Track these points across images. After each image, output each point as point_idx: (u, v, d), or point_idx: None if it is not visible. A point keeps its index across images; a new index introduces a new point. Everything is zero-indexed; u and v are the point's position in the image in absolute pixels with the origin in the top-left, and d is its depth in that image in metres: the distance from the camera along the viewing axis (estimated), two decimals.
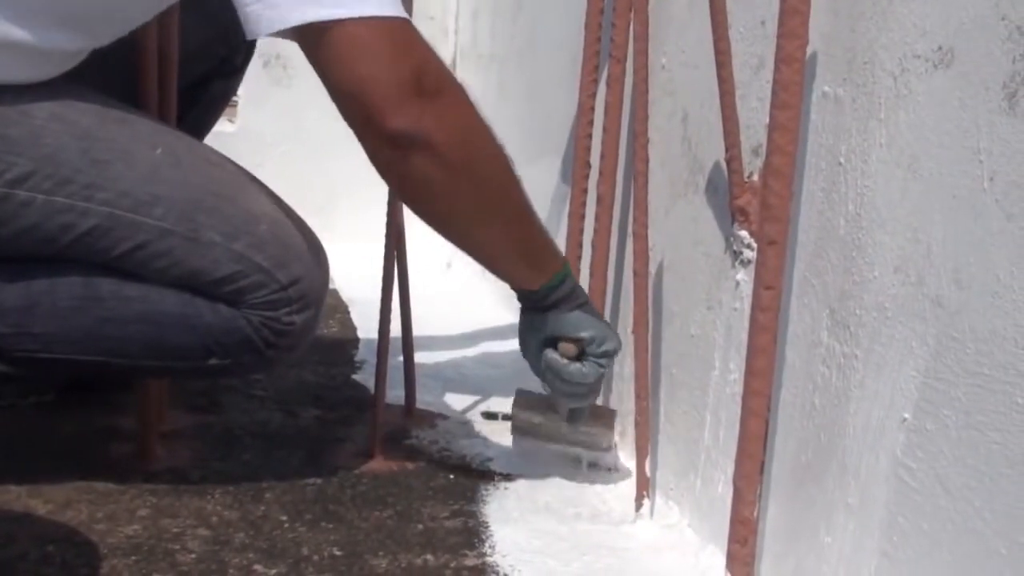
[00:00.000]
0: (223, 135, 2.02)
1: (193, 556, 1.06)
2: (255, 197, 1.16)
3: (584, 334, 1.20)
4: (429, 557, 1.10)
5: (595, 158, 1.48)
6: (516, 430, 1.36)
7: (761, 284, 0.95)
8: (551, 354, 1.21)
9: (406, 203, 1.20)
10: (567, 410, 1.29)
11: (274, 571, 1.04)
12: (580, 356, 1.21)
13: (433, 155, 1.06)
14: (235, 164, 1.20)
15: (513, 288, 1.22)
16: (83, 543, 1.07)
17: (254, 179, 1.19)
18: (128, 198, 1.08)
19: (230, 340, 1.12)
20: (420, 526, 1.17)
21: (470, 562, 1.09)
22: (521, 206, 1.18)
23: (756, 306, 0.96)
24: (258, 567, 1.05)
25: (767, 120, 0.97)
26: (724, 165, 1.11)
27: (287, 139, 2.63)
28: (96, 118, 1.10)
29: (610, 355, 1.22)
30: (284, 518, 1.17)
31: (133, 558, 1.05)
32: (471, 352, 1.90)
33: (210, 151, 1.21)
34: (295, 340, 1.15)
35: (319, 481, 1.28)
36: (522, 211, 1.18)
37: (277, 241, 1.13)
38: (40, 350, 1.10)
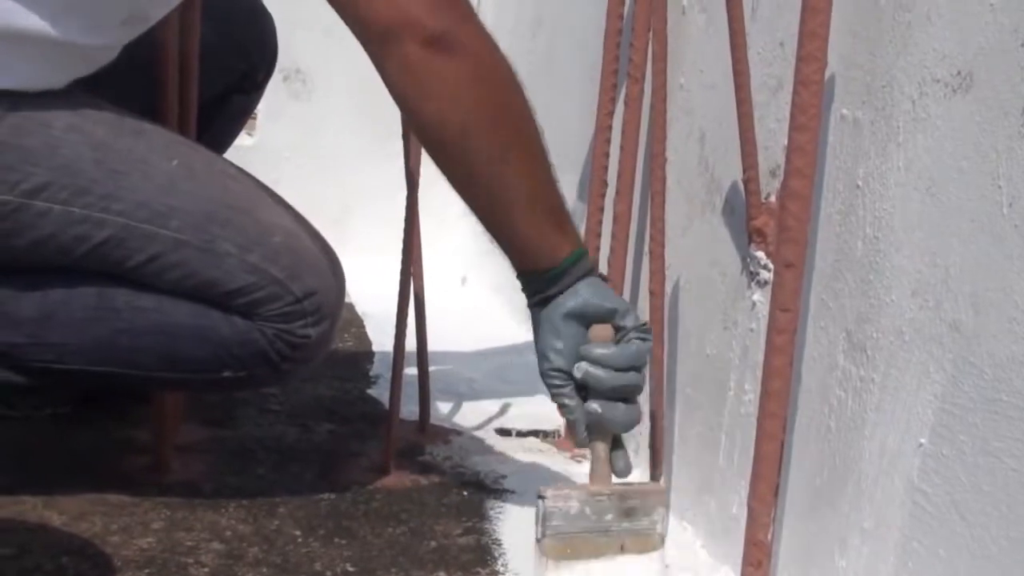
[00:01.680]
0: (241, 148, 2.03)
1: (206, 570, 1.06)
2: (271, 209, 1.16)
3: (614, 305, 1.06)
4: (442, 574, 1.10)
5: (612, 177, 1.48)
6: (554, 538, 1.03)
7: (778, 306, 0.95)
8: (587, 347, 1.05)
9: (429, 116, 1.07)
10: (607, 452, 1.08)
11: None
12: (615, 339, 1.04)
13: (468, 55, 1.03)
14: (251, 177, 1.21)
15: (527, 265, 1.10)
16: (97, 555, 1.08)
17: (270, 192, 1.20)
18: (144, 209, 1.08)
19: (244, 352, 1.12)
20: (433, 543, 1.17)
21: None
22: (543, 150, 1.09)
23: (772, 328, 0.95)
24: None
25: (785, 141, 0.97)
26: (741, 186, 1.11)
27: (305, 153, 2.64)
28: (112, 129, 1.11)
29: (649, 328, 1.08)
30: (298, 533, 1.17)
31: (146, 571, 1.05)
32: (486, 368, 1.90)
33: (226, 163, 1.21)
34: (310, 353, 1.15)
35: (333, 496, 1.28)
36: (544, 156, 1.09)
37: (292, 253, 1.13)
38: (55, 361, 1.11)
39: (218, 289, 1.11)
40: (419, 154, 1.39)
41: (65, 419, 1.46)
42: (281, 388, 1.68)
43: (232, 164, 1.21)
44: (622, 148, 1.42)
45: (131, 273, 1.10)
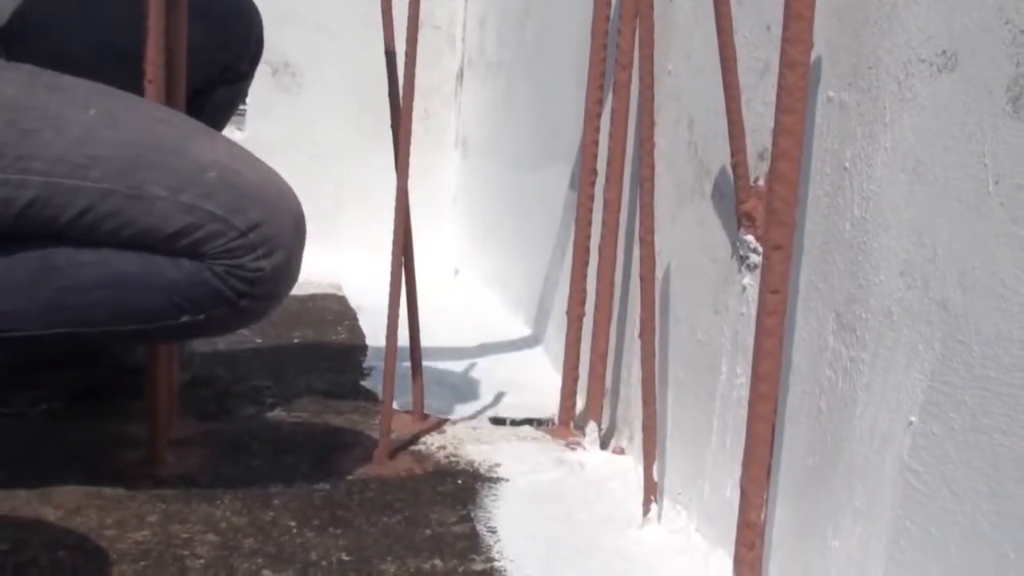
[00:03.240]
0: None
1: (202, 562, 1.07)
2: (203, 147, 1.13)
3: None
4: (437, 562, 1.10)
5: (602, 164, 1.48)
6: None
7: (767, 288, 0.95)
8: None
9: None
10: None
11: None
12: None
13: None
14: (184, 118, 1.17)
15: None
16: (93, 549, 1.08)
17: (206, 130, 1.16)
18: (62, 164, 1.06)
19: (197, 294, 1.09)
20: (428, 531, 1.17)
21: (478, 567, 1.09)
22: None
23: (762, 310, 0.96)
24: (267, 572, 1.05)
25: (772, 124, 0.98)
26: (730, 170, 1.11)
27: (295, 147, 2.65)
28: (23, 88, 1.09)
29: None
30: (293, 523, 1.17)
31: (142, 563, 1.05)
32: (478, 358, 1.91)
33: (154, 107, 1.18)
34: (269, 288, 1.12)
35: (327, 487, 1.28)
36: None
37: (229, 188, 1.10)
38: (8, 329, 1.09)
39: (157, 234, 1.08)
40: (408, 147, 1.39)
41: (59, 415, 1.47)
42: (275, 380, 1.68)
43: (162, 108, 1.18)
44: (611, 136, 1.42)
45: (67, 230, 1.07)
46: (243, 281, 1.10)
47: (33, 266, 1.08)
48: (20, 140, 1.05)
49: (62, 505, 1.17)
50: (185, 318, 1.11)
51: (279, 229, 1.12)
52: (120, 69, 1.17)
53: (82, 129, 1.08)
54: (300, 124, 2.77)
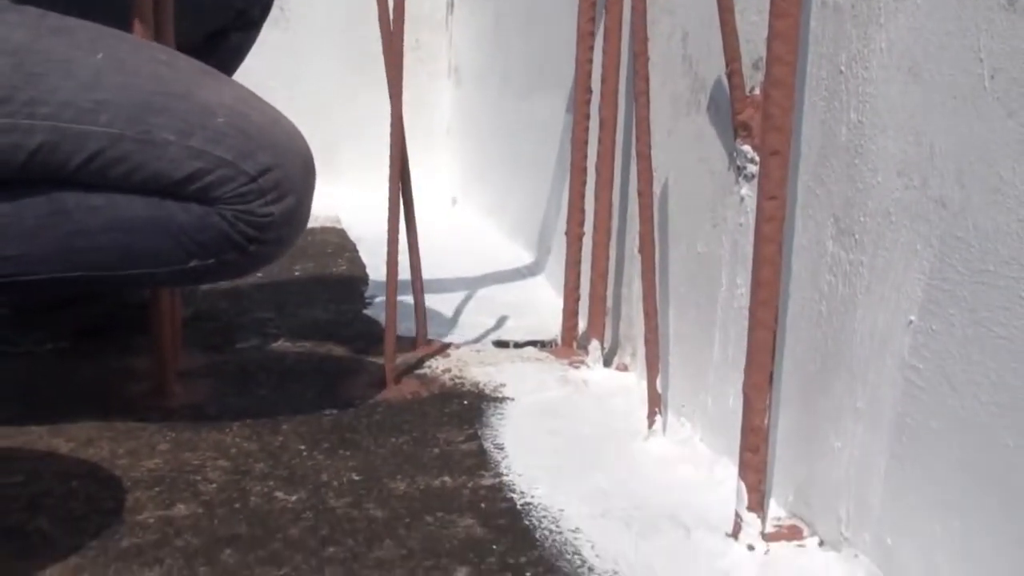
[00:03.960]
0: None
1: (214, 486, 1.08)
2: (211, 91, 1.12)
3: None
4: (446, 479, 1.11)
5: (596, 83, 1.48)
6: None
7: (765, 195, 0.95)
8: None
9: None
10: None
11: (295, 497, 1.06)
12: None
13: None
14: (190, 60, 1.16)
15: None
16: (106, 478, 1.09)
17: (212, 72, 1.15)
18: (70, 108, 1.05)
19: (206, 238, 1.09)
20: (436, 450, 1.19)
21: (487, 482, 1.11)
22: None
23: (760, 217, 0.96)
24: (279, 494, 1.07)
25: (767, 33, 0.97)
26: (725, 81, 1.11)
27: (287, 83, 2.63)
28: (29, 31, 1.07)
29: None
30: (302, 447, 1.19)
31: (156, 489, 1.07)
32: (479, 284, 1.92)
33: (160, 50, 1.16)
34: (279, 232, 1.12)
35: (335, 412, 1.29)
36: None
37: (239, 132, 1.09)
38: (19, 273, 1.09)
39: (166, 179, 1.08)
40: (400, 75, 1.39)
41: (66, 352, 1.48)
42: (278, 312, 1.69)
43: (167, 50, 1.17)
44: (604, 53, 1.42)
45: (76, 175, 1.07)
46: (252, 226, 1.10)
47: (42, 210, 1.08)
48: (27, 84, 1.05)
49: (74, 438, 1.19)
50: (194, 262, 1.11)
51: (288, 174, 1.11)
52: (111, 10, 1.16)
53: (90, 73, 1.07)
54: (291, 59, 2.75)
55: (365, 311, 1.74)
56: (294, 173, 1.12)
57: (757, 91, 1.08)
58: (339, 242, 2.29)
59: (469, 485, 1.10)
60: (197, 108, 1.09)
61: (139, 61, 1.11)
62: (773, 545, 0.98)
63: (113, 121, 1.06)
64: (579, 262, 1.55)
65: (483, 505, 1.05)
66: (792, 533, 0.99)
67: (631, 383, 1.40)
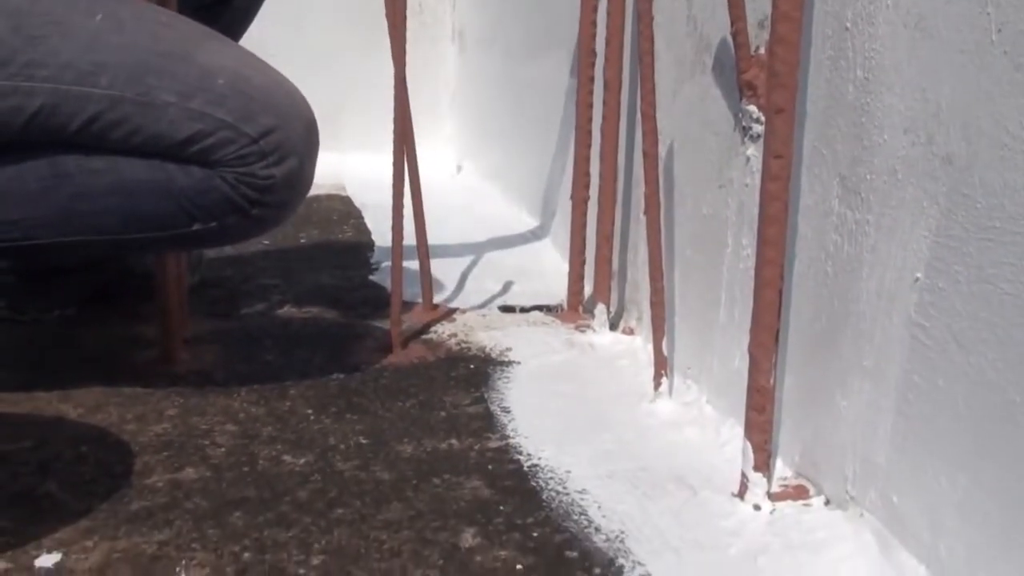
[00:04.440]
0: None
1: (223, 450, 1.09)
2: (213, 53, 1.11)
3: None
4: (453, 442, 1.12)
5: (600, 45, 1.47)
6: None
7: (771, 154, 0.95)
8: None
9: None
10: None
11: (303, 460, 1.06)
12: None
13: None
14: (190, 22, 1.15)
15: None
16: (115, 443, 1.10)
17: (213, 35, 1.15)
18: (70, 71, 1.05)
19: (208, 201, 1.09)
20: (443, 413, 1.19)
21: (493, 444, 1.11)
22: None
23: (766, 176, 0.96)
24: (287, 457, 1.07)
25: None
26: (730, 40, 1.10)
27: (289, 47, 2.61)
28: None
29: None
30: (310, 411, 1.19)
31: (165, 454, 1.07)
32: (484, 250, 1.91)
33: (161, 12, 1.16)
34: (281, 195, 1.11)
35: (342, 376, 1.30)
36: None
37: (239, 94, 1.08)
38: (22, 238, 1.09)
39: (167, 141, 1.07)
40: (403, 44, 1.38)
41: (72, 320, 1.48)
42: (284, 278, 1.69)
43: (168, 12, 1.16)
44: (608, 14, 1.41)
45: (76, 138, 1.07)
46: (254, 189, 1.09)
47: (43, 173, 1.08)
48: (26, 46, 1.04)
49: (82, 404, 1.19)
50: (196, 226, 1.11)
51: (290, 136, 1.10)
52: None
53: (89, 35, 1.06)
54: (293, 23, 2.74)
55: (371, 277, 1.74)
56: (296, 135, 1.11)
57: (762, 50, 1.07)
58: (344, 209, 2.28)
59: (476, 447, 1.10)
60: (198, 70, 1.08)
61: (139, 23, 1.10)
62: (779, 505, 0.98)
63: (113, 83, 1.05)
64: (584, 226, 1.54)
65: (490, 467, 1.06)
66: (798, 492, 1.00)
67: (637, 346, 1.41)
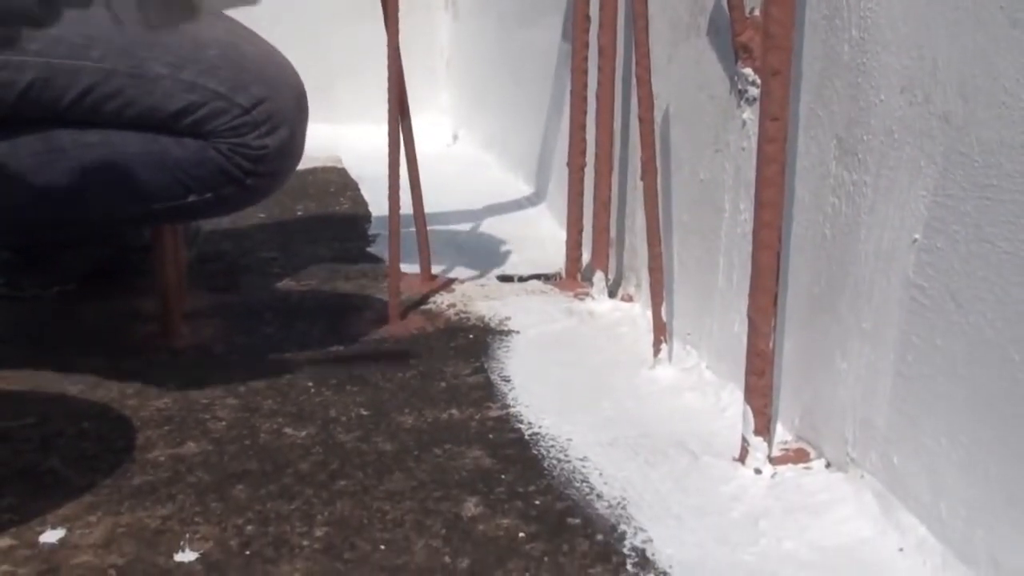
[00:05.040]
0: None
1: (224, 424, 1.09)
2: (204, 24, 1.11)
3: None
4: (454, 411, 1.12)
5: (594, 11, 1.46)
6: None
7: (767, 116, 0.94)
8: None
9: None
10: None
11: (304, 432, 1.07)
12: None
13: None
14: None
15: None
16: (116, 418, 1.10)
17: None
18: (62, 44, 1.04)
19: (203, 172, 1.09)
20: (443, 383, 1.19)
21: (494, 414, 1.11)
22: None
23: (763, 138, 0.95)
24: (288, 430, 1.07)
25: None
26: (725, 3, 1.09)
27: (281, 19, 2.59)
28: None
29: None
30: (310, 384, 1.19)
31: (166, 428, 1.07)
32: (482, 220, 1.91)
33: None
34: (274, 165, 1.12)
35: (342, 348, 1.30)
36: None
37: (231, 64, 1.09)
38: (17, 213, 1.09)
39: (160, 113, 1.07)
40: (396, 12, 1.37)
41: (71, 296, 1.48)
42: (282, 251, 1.69)
43: None
44: None
45: (69, 112, 1.07)
46: (248, 159, 1.10)
47: (37, 148, 1.08)
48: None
49: (83, 380, 1.19)
50: (192, 197, 1.11)
51: (281, 106, 1.11)
52: None
53: (78, 8, 1.06)
54: None
55: (369, 248, 1.73)
56: (286, 105, 1.11)
57: (757, 12, 1.06)
58: (341, 181, 2.28)
59: (477, 417, 1.11)
60: (189, 41, 1.08)
61: None
62: (780, 468, 0.98)
63: (105, 56, 1.05)
64: (581, 193, 1.54)
65: (491, 436, 1.06)
66: (799, 456, 1.00)
67: (636, 313, 1.40)
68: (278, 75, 1.12)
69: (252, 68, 1.09)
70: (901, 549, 0.85)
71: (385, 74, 1.38)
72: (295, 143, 1.14)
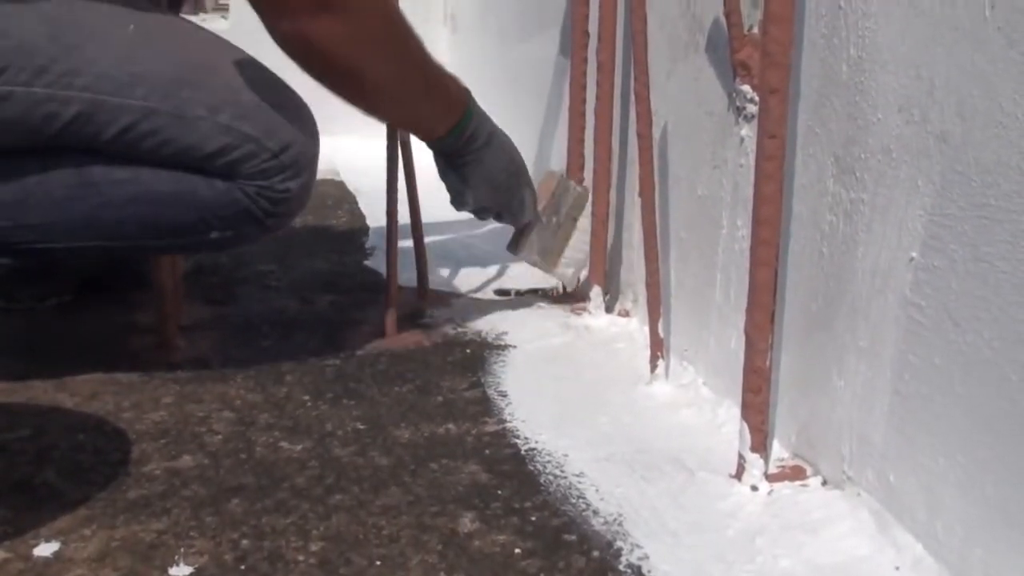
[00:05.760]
0: (216, 32, 2.00)
1: (220, 437, 1.09)
2: (235, 67, 1.14)
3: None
4: (451, 426, 1.12)
5: (593, 26, 1.46)
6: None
7: (765, 133, 0.95)
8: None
9: (331, 83, 1.12)
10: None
11: (300, 447, 1.06)
12: None
13: (354, 15, 1.07)
14: (206, 31, 1.18)
15: (433, 136, 1.26)
16: (112, 431, 1.10)
17: (229, 46, 1.17)
18: (108, 81, 1.06)
19: (228, 212, 1.12)
20: (440, 398, 1.19)
21: (491, 428, 1.11)
22: (426, 63, 1.19)
23: (760, 156, 0.95)
24: (284, 444, 1.07)
25: None
26: (723, 19, 1.09)
27: None
28: (61, 2, 1.07)
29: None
30: (306, 398, 1.19)
31: (162, 441, 1.07)
32: (480, 233, 1.91)
33: (180, 22, 1.18)
34: (292, 206, 1.16)
35: (338, 362, 1.30)
36: (429, 68, 1.20)
37: (262, 109, 1.12)
38: (39, 240, 1.11)
39: (196, 153, 1.10)
40: None
41: (68, 307, 1.48)
42: (279, 264, 1.69)
43: (186, 21, 1.18)
44: None
45: (107, 147, 1.08)
46: (271, 201, 1.13)
47: (69, 181, 1.10)
48: (65, 55, 1.05)
49: (78, 392, 1.19)
50: (214, 235, 1.14)
51: (304, 151, 1.14)
52: None
53: (125, 46, 1.09)
54: None
55: (366, 262, 1.73)
56: (308, 149, 1.15)
57: (755, 30, 1.07)
58: (338, 194, 2.28)
59: (473, 432, 1.10)
60: (225, 84, 1.11)
61: (166, 34, 1.12)
62: (776, 485, 0.98)
63: (149, 95, 1.07)
64: None
65: (487, 451, 1.06)
66: (795, 473, 1.00)
67: (633, 328, 1.40)
68: (302, 122, 1.15)
69: (281, 112, 1.13)
70: (897, 568, 0.85)
71: None
72: (310, 189, 1.18)
